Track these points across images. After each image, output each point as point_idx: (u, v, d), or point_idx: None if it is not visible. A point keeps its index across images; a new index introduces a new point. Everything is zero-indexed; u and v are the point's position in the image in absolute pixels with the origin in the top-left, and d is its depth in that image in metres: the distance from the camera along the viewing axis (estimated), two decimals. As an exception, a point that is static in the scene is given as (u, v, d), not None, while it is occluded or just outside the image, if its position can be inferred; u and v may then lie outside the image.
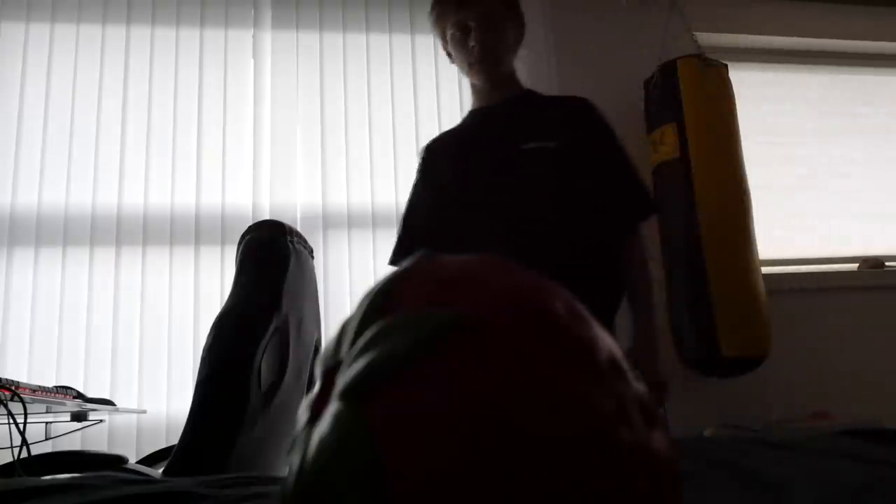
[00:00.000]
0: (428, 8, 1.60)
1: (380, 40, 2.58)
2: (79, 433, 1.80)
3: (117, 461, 1.33)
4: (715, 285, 2.24)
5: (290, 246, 1.17)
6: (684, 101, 2.38)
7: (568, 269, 1.30)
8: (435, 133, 1.69)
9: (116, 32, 2.42)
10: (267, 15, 2.53)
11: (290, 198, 2.40)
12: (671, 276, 2.37)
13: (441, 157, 1.58)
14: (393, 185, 2.45)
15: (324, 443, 0.23)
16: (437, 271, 0.26)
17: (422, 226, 1.55)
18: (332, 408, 0.23)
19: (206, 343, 1.03)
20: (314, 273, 1.37)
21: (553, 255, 1.39)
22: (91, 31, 2.40)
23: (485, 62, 1.49)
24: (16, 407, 1.11)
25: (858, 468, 0.50)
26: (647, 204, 1.53)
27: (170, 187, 2.33)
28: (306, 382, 1.31)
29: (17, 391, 1.10)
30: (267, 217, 2.07)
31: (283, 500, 0.24)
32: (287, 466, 0.25)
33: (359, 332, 0.25)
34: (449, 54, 1.58)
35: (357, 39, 2.57)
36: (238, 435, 1.00)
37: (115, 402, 1.77)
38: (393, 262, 1.55)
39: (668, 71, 2.44)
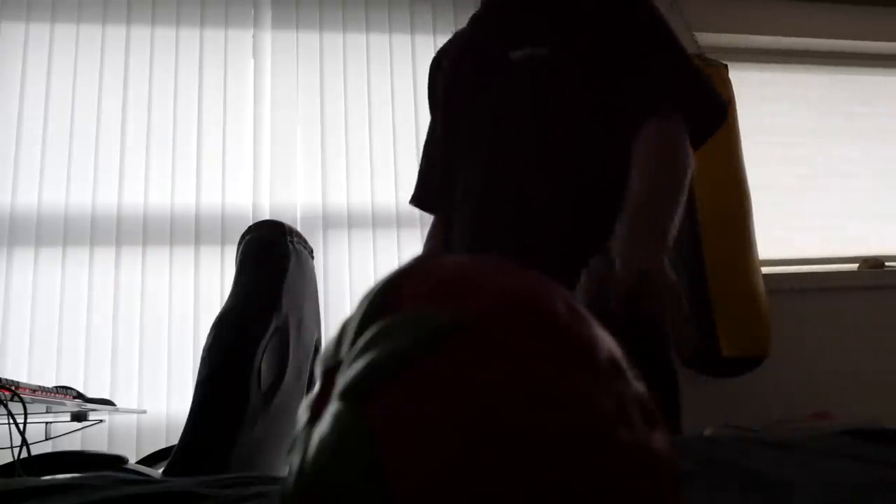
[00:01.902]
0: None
1: (380, 40, 2.58)
2: (79, 433, 1.80)
3: (117, 461, 1.33)
4: (714, 285, 2.24)
5: (290, 246, 1.17)
6: (684, 101, 2.37)
7: (572, 231, 1.03)
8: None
9: (116, 32, 2.42)
10: (267, 15, 2.53)
11: (290, 198, 2.40)
12: (671, 276, 2.37)
13: (442, 69, 1.32)
14: (393, 185, 2.44)
15: (324, 443, 0.23)
16: (437, 271, 0.26)
17: (436, 156, 1.29)
18: (332, 408, 0.23)
19: (206, 343, 1.03)
20: (314, 273, 1.37)
21: (546, 211, 1.05)
22: (91, 31, 2.40)
23: None
24: (16, 407, 1.11)
25: (858, 468, 0.50)
26: (700, 92, 1.05)
27: (170, 187, 2.33)
28: (306, 382, 1.31)
29: (17, 391, 1.10)
30: (267, 217, 2.07)
31: (283, 500, 0.24)
32: (287, 466, 0.25)
33: (359, 332, 0.25)
34: None
35: (357, 39, 2.56)
36: (238, 435, 1.00)
37: (115, 402, 1.77)
38: (412, 200, 1.33)
39: (668, 71, 2.44)
